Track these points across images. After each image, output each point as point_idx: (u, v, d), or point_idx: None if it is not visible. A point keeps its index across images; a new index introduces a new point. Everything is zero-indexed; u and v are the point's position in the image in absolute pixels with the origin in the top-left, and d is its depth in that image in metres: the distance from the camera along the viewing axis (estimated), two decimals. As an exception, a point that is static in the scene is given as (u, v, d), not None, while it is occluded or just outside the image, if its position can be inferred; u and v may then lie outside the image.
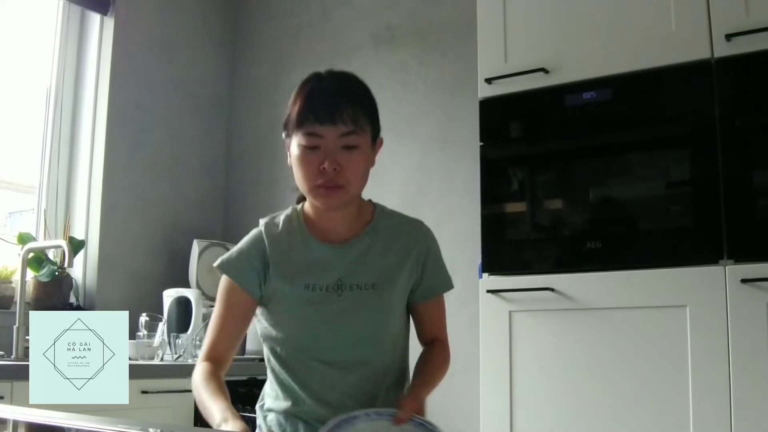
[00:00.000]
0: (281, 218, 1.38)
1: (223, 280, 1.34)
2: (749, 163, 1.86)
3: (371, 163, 1.33)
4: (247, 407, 2.36)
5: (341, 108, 1.24)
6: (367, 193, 1.38)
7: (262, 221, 1.40)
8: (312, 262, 1.32)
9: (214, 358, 1.31)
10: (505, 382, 2.02)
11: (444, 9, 2.88)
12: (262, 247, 1.33)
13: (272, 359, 1.35)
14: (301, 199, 1.40)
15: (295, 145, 1.27)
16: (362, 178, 1.30)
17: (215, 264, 1.34)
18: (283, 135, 1.32)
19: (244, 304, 1.32)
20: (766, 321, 1.73)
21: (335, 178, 1.24)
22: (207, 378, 1.25)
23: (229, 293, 1.33)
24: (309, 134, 1.24)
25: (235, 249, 1.36)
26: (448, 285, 1.42)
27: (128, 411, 1.81)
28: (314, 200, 1.30)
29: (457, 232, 2.69)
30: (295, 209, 1.39)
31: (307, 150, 1.25)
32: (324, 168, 1.23)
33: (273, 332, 1.33)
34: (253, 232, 1.38)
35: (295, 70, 3.25)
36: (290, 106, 1.29)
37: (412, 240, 1.37)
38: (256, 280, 1.32)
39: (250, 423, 2.37)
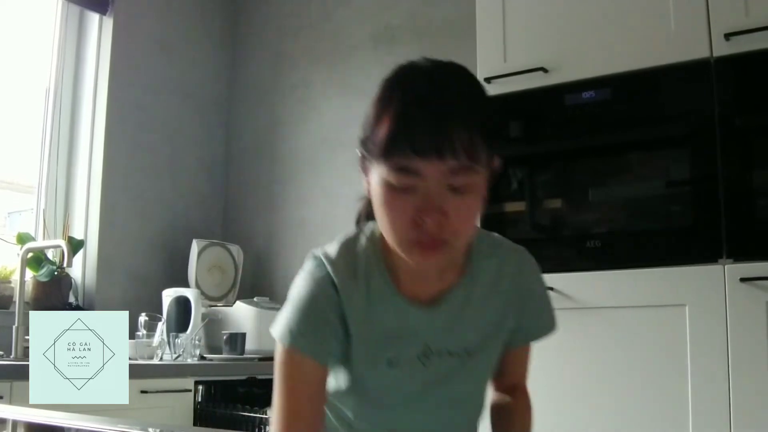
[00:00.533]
0: (358, 257, 1.00)
1: (285, 353, 0.96)
2: (749, 163, 1.86)
3: (484, 194, 0.93)
4: (247, 406, 2.36)
5: (453, 134, 0.84)
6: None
7: (320, 255, 1.00)
8: (398, 329, 1.00)
9: None
10: (505, 381, 2.02)
11: (443, 9, 2.88)
12: (335, 300, 0.97)
13: (333, 418, 1.09)
14: (367, 213, 1.03)
15: (378, 177, 0.89)
16: (472, 224, 0.93)
17: (278, 335, 0.97)
18: (359, 153, 0.93)
19: (320, 377, 0.97)
20: (765, 320, 1.73)
21: (437, 232, 0.87)
22: None
23: (300, 370, 0.96)
24: (402, 170, 0.86)
25: (296, 308, 0.98)
26: (550, 328, 1.11)
27: (128, 411, 1.81)
28: (404, 255, 0.92)
29: (457, 232, 2.69)
30: (372, 244, 1.00)
31: (396, 191, 0.87)
32: (422, 220, 0.86)
33: (335, 395, 1.06)
34: (315, 277, 0.98)
35: (294, 70, 3.25)
36: (373, 119, 0.90)
37: (516, 281, 1.05)
38: (334, 346, 0.98)
39: (250, 424, 2.36)
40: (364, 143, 0.91)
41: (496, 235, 1.09)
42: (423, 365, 1.01)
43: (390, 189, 0.88)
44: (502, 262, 1.04)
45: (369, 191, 0.94)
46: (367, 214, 1.04)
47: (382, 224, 0.92)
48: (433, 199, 0.86)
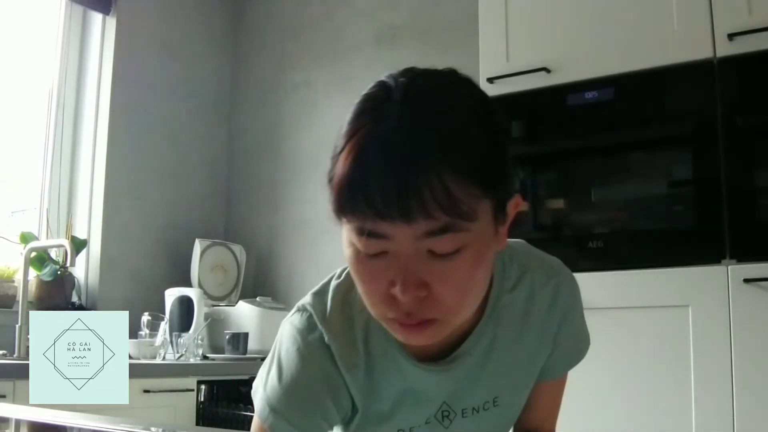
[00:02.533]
0: (354, 310, 0.80)
1: (263, 427, 0.80)
2: (751, 163, 1.85)
3: (496, 244, 0.73)
4: (249, 406, 2.36)
5: (422, 188, 0.63)
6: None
7: (311, 309, 0.81)
8: (408, 393, 0.82)
9: None
10: (507, 381, 2.02)
11: (446, 8, 2.88)
12: (331, 374, 0.78)
13: None
14: None
15: (344, 235, 0.71)
16: (475, 291, 0.72)
17: (258, 411, 0.81)
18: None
19: None
20: (769, 321, 1.72)
21: (418, 311, 0.69)
22: None
23: None
24: (363, 233, 0.67)
25: (283, 382, 0.79)
26: (584, 350, 0.95)
27: (130, 410, 1.82)
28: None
29: (459, 232, 2.69)
30: None
31: (364, 256, 0.69)
32: (398, 297, 0.68)
33: None
34: (307, 341, 0.79)
35: (296, 69, 3.25)
36: (334, 153, 0.69)
37: (551, 310, 0.87)
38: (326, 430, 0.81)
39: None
40: (329, 181, 0.69)
41: (522, 253, 0.89)
42: (444, 427, 0.84)
43: (357, 253, 0.69)
44: (532, 290, 0.86)
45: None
46: None
47: (361, 295, 0.73)
48: (408, 270, 0.66)
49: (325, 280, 0.85)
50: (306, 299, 0.83)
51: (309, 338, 0.79)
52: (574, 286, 0.91)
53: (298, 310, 0.82)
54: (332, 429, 0.83)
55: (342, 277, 0.82)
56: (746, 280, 1.74)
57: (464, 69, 0.87)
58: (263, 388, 0.81)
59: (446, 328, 0.72)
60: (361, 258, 0.69)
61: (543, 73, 2.09)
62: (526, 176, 2.19)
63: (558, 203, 2.16)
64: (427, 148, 0.64)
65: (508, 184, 0.73)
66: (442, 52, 2.84)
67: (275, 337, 0.85)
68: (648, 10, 1.99)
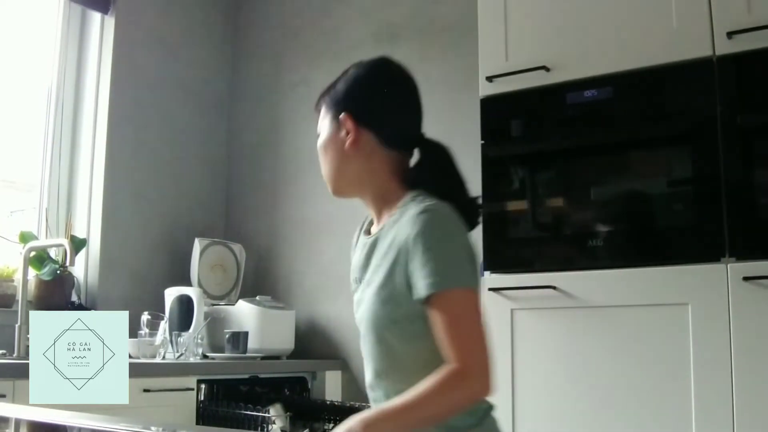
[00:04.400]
0: None
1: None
2: (751, 161, 1.86)
3: (339, 147, 1.26)
4: (249, 405, 2.36)
5: (317, 103, 1.35)
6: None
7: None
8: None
9: None
10: (507, 380, 2.02)
11: (445, 7, 2.87)
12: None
13: None
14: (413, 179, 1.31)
15: None
16: (328, 166, 1.28)
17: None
18: None
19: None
20: (768, 319, 1.73)
21: None
22: None
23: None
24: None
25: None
26: (432, 285, 1.09)
27: (130, 409, 1.81)
28: None
29: (459, 231, 2.68)
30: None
31: None
32: None
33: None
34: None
35: (295, 68, 3.25)
36: None
37: (400, 229, 1.17)
38: None
39: (253, 422, 2.35)
40: None
41: (433, 200, 1.18)
42: (358, 289, 1.27)
43: None
44: (402, 217, 1.18)
45: None
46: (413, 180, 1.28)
47: None
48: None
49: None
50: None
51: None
52: (423, 221, 1.14)
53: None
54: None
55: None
56: (746, 278, 1.74)
57: (463, 68, 0.89)
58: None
59: (328, 184, 1.31)
60: None
61: (542, 71, 2.09)
62: (525, 175, 2.19)
63: (557, 202, 2.16)
64: (328, 90, 1.34)
65: (345, 101, 1.30)
66: (441, 51, 2.83)
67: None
68: (647, 9, 1.99)
